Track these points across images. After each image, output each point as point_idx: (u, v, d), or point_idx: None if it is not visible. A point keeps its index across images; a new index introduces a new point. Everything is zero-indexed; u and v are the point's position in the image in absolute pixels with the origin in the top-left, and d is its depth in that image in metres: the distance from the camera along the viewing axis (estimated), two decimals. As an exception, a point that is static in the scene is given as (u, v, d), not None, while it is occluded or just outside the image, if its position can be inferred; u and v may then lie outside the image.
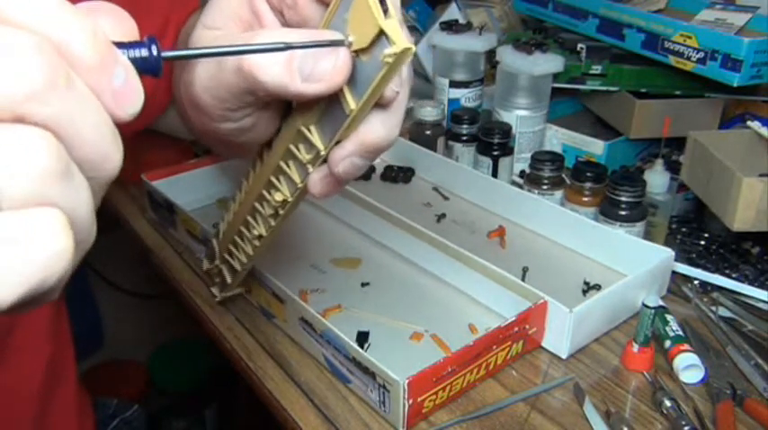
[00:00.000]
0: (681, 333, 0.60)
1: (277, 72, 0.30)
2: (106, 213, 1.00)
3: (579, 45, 0.89)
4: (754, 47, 0.72)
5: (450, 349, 0.59)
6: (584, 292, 0.68)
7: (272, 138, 0.40)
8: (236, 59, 0.31)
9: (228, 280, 0.57)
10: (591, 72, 0.88)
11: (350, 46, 0.30)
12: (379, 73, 0.29)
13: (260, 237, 0.47)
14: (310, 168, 0.37)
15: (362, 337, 0.61)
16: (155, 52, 0.24)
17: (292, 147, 0.37)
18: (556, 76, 0.88)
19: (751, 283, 0.67)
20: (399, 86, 0.33)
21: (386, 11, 0.28)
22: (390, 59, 0.28)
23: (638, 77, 0.87)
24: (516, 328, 0.57)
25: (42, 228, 0.19)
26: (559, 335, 0.59)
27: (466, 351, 0.53)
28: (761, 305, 0.65)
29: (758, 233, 0.67)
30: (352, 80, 0.31)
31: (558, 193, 0.78)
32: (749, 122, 0.76)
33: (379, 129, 0.33)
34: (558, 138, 0.92)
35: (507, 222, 0.80)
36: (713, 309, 0.65)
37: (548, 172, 0.78)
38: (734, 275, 0.69)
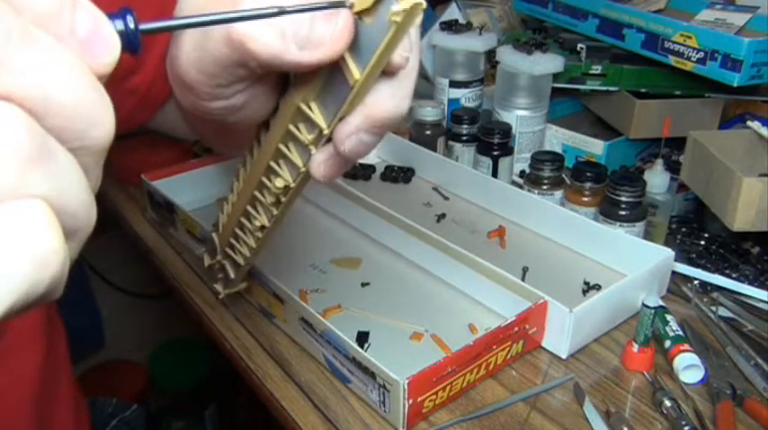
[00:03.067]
0: (681, 333, 0.60)
1: (269, 40, 0.27)
2: (106, 213, 1.01)
3: (579, 45, 0.89)
4: (754, 47, 0.72)
5: (451, 349, 0.59)
6: (584, 292, 0.68)
7: (269, 119, 0.37)
8: (224, 29, 0.28)
9: (231, 275, 0.54)
10: (591, 72, 0.88)
11: (351, 7, 0.27)
12: (385, 36, 0.26)
13: (262, 227, 0.44)
14: (313, 149, 0.33)
15: (362, 337, 0.61)
16: (131, 24, 0.21)
17: (292, 128, 0.34)
18: (556, 76, 0.88)
19: (751, 283, 0.67)
20: (408, 51, 0.29)
21: None
22: (399, 18, 0.25)
23: (638, 77, 0.87)
24: (516, 328, 0.57)
25: (24, 227, 0.16)
26: (559, 336, 0.58)
27: (466, 351, 0.53)
28: (761, 305, 0.65)
29: (758, 233, 0.67)
30: (354, 46, 0.28)
31: (558, 193, 0.78)
32: (749, 122, 0.76)
33: (387, 100, 0.30)
34: (557, 138, 0.92)
35: (507, 222, 0.80)
36: (713, 308, 0.65)
37: (548, 172, 0.78)
38: (734, 275, 0.69)
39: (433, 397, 0.52)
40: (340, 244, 0.76)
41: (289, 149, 0.36)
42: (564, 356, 0.59)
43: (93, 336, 1.41)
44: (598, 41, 0.89)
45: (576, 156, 0.89)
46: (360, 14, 0.27)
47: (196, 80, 0.32)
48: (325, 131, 0.32)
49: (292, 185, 0.37)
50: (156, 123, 0.61)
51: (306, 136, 0.34)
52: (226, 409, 1.40)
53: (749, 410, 0.53)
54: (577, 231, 0.73)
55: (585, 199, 0.75)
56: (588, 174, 0.75)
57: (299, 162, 0.35)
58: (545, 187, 0.78)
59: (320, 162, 0.33)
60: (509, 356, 0.58)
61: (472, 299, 0.67)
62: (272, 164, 0.38)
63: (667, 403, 0.53)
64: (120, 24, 0.21)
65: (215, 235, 0.54)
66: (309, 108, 0.32)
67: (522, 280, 0.64)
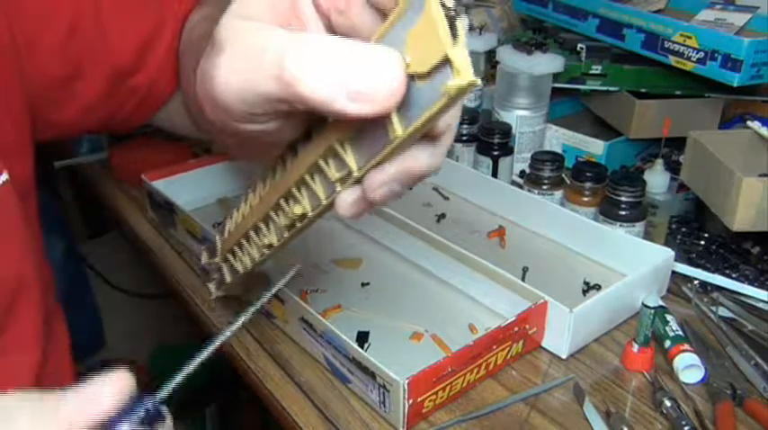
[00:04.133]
0: (681, 333, 0.60)
1: (320, 86, 0.27)
2: (106, 213, 1.00)
3: (579, 45, 0.89)
4: (754, 47, 0.72)
5: (451, 349, 0.59)
6: (584, 292, 0.68)
7: (297, 141, 0.37)
8: (276, 65, 0.28)
9: (228, 279, 0.54)
10: (591, 72, 0.88)
11: (407, 68, 0.26)
12: (435, 103, 0.25)
13: (270, 245, 0.43)
14: (338, 187, 0.33)
15: (362, 337, 0.61)
16: (150, 408, 0.29)
17: (321, 162, 0.34)
18: (556, 76, 0.88)
19: (751, 283, 0.67)
20: (453, 119, 0.30)
21: (455, 36, 0.24)
22: (453, 92, 0.24)
23: (638, 77, 0.87)
24: (516, 328, 0.57)
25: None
26: (559, 336, 0.58)
27: (466, 351, 0.53)
28: (761, 305, 0.65)
29: (758, 233, 0.67)
30: (402, 102, 0.27)
31: (558, 193, 0.78)
32: (749, 122, 0.76)
33: (424, 158, 0.31)
34: (558, 139, 0.92)
35: (507, 222, 0.80)
36: (713, 308, 0.65)
37: (548, 172, 0.78)
38: (734, 275, 0.69)
39: (433, 397, 0.52)
40: (340, 244, 0.76)
41: (313, 180, 0.36)
42: (564, 356, 0.59)
43: (93, 336, 1.41)
44: (598, 41, 0.89)
45: (576, 156, 0.89)
46: (413, 76, 0.26)
47: (233, 105, 0.31)
48: (355, 174, 0.32)
49: (310, 215, 0.37)
50: (159, 120, 0.60)
51: (333, 172, 0.33)
52: (226, 409, 1.40)
53: (749, 410, 0.53)
54: (577, 231, 0.73)
55: (585, 199, 0.75)
56: (588, 174, 0.75)
57: (321, 194, 0.35)
58: (545, 187, 0.78)
59: (350, 203, 0.33)
60: (509, 356, 0.58)
61: (472, 299, 0.67)
62: (294, 190, 0.37)
63: (667, 403, 0.53)
64: (142, 412, 0.28)
65: (218, 237, 0.53)
66: (343, 149, 0.32)
67: (522, 280, 0.64)
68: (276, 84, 0.28)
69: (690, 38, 0.77)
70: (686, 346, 0.58)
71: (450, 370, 0.52)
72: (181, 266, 0.75)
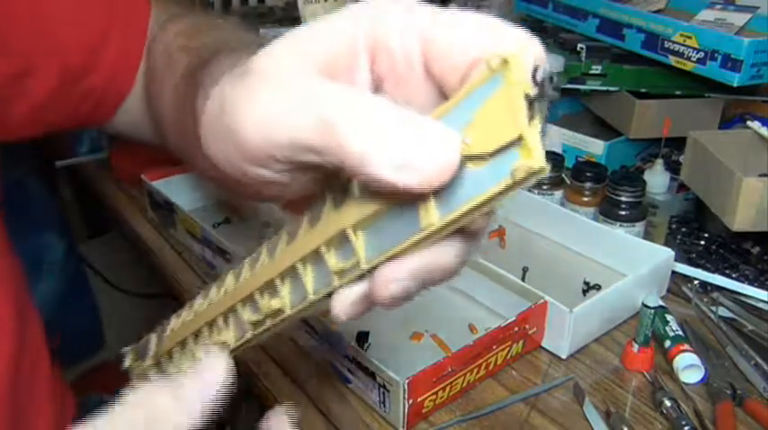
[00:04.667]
0: (681, 333, 0.60)
1: (366, 142, 0.23)
2: (106, 213, 1.00)
3: (579, 45, 0.89)
4: (754, 47, 0.72)
5: (451, 349, 0.59)
6: (584, 292, 0.68)
7: (282, 230, 0.31)
8: (322, 111, 0.24)
9: (151, 373, 0.43)
10: (591, 72, 0.88)
11: (465, 148, 0.23)
12: (491, 188, 0.22)
13: (223, 343, 0.35)
14: (335, 281, 0.28)
15: (362, 337, 0.61)
16: None
17: (323, 249, 0.28)
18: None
19: (751, 283, 0.67)
20: (487, 218, 0.26)
21: (531, 117, 0.21)
22: (521, 174, 0.22)
23: (638, 77, 0.87)
24: (516, 328, 0.57)
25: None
26: (559, 336, 0.58)
27: (466, 351, 0.53)
28: (761, 305, 0.65)
29: (758, 233, 0.67)
30: (444, 186, 0.23)
31: (558, 193, 0.78)
32: (749, 122, 0.76)
33: (452, 256, 0.26)
34: (558, 138, 0.92)
35: (507, 222, 0.80)
36: (713, 308, 0.65)
37: (547, 172, 0.78)
38: (734, 275, 0.69)
39: (433, 397, 0.52)
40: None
41: (304, 268, 0.29)
42: (564, 356, 0.59)
43: (93, 336, 1.41)
44: (598, 41, 0.89)
45: (576, 156, 0.89)
46: (469, 156, 0.23)
47: (255, 142, 0.27)
48: (363, 266, 0.26)
49: (288, 312, 0.30)
50: (118, 125, 0.60)
51: (334, 263, 0.27)
52: (226, 409, 1.39)
53: (749, 410, 0.53)
54: (577, 231, 0.73)
55: (585, 199, 0.75)
56: (588, 174, 0.75)
57: (309, 287, 0.29)
58: (545, 187, 0.78)
59: (350, 303, 0.28)
60: (509, 356, 0.58)
61: (472, 299, 0.67)
62: (277, 279, 0.31)
63: (667, 403, 0.53)
64: None
65: (154, 337, 0.43)
66: (355, 235, 0.26)
67: (522, 280, 0.64)
68: (316, 130, 0.25)
69: (690, 38, 0.77)
70: (686, 346, 0.58)
71: (450, 370, 0.52)
72: (181, 266, 0.75)
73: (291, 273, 0.30)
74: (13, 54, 0.51)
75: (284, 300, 0.30)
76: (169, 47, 0.52)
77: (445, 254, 0.26)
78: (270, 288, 0.31)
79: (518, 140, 0.22)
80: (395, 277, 0.26)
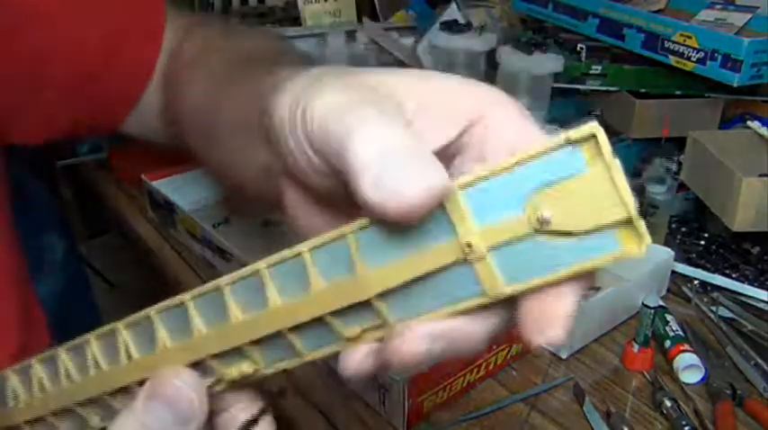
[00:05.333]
0: (681, 333, 0.60)
1: (360, 154, 0.22)
2: (106, 213, 1.01)
3: (579, 45, 0.89)
4: (754, 47, 0.72)
5: (451, 349, 0.59)
6: (584, 292, 0.68)
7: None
8: (342, 121, 0.23)
9: None
10: (591, 72, 0.88)
11: (543, 224, 0.21)
12: (573, 264, 0.22)
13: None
14: (337, 346, 0.25)
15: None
16: None
17: (329, 318, 0.24)
18: (556, 76, 0.88)
19: (751, 283, 0.67)
20: None
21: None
22: (622, 257, 0.21)
23: (638, 77, 0.87)
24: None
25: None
26: (559, 335, 0.58)
27: (466, 351, 0.53)
28: (761, 305, 0.65)
29: (758, 233, 0.67)
30: (507, 256, 0.22)
31: (558, 193, 0.78)
32: (749, 122, 0.76)
33: (492, 324, 0.24)
34: (558, 139, 0.92)
35: (507, 222, 0.80)
36: (713, 308, 0.65)
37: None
38: (734, 275, 0.69)
39: (433, 397, 0.52)
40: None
41: (299, 334, 0.26)
42: (564, 356, 0.59)
43: (93, 336, 1.41)
44: (598, 41, 0.89)
45: (576, 156, 0.89)
46: (553, 231, 0.21)
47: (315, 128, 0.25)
48: (390, 324, 0.23)
49: (262, 371, 0.27)
50: (127, 127, 0.60)
51: (341, 329, 0.24)
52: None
53: (749, 410, 0.53)
54: (577, 231, 0.73)
55: (585, 199, 0.75)
56: (588, 174, 0.74)
57: (302, 347, 0.26)
58: (545, 187, 0.78)
59: (361, 357, 0.24)
60: (509, 356, 0.58)
61: (472, 299, 0.66)
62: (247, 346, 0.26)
63: (667, 403, 0.53)
64: None
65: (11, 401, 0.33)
66: (383, 303, 0.23)
67: (522, 280, 0.64)
68: (329, 143, 0.24)
69: (690, 38, 0.77)
70: (686, 346, 0.58)
71: (450, 370, 0.52)
72: (181, 266, 0.75)
73: (278, 337, 0.26)
74: (24, 59, 0.51)
75: (257, 361, 0.27)
76: (199, 49, 0.52)
77: (486, 318, 0.24)
78: (237, 352, 0.27)
79: (622, 223, 0.21)
80: (424, 334, 0.23)
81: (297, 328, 0.25)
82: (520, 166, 0.22)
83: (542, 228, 0.21)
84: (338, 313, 0.24)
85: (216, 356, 0.27)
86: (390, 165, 0.21)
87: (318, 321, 0.24)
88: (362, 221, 0.23)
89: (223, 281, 0.26)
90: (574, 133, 0.22)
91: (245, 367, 0.27)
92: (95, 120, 0.57)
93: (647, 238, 0.21)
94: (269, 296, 0.25)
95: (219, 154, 0.38)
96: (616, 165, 0.21)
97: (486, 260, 0.22)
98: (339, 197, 0.25)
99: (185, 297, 0.27)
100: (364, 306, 0.23)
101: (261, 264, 0.25)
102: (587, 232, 0.21)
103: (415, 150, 0.22)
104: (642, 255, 0.21)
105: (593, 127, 0.21)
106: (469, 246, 0.22)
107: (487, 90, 0.25)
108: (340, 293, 0.23)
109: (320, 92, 0.25)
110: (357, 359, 0.25)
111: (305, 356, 0.26)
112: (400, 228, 0.22)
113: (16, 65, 0.51)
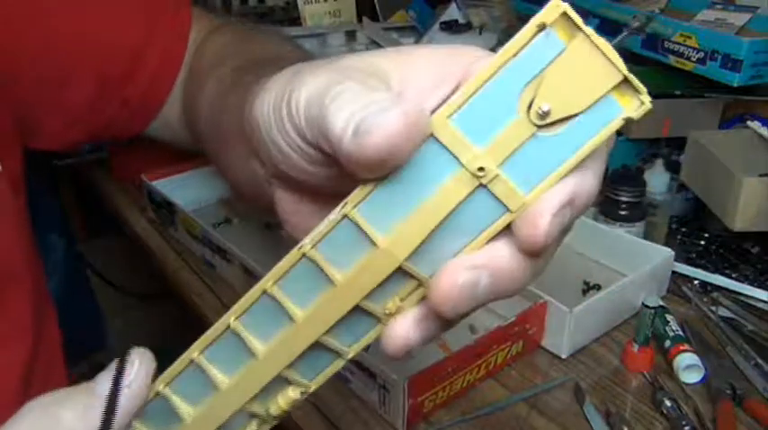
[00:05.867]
0: (681, 333, 0.60)
1: (340, 116, 0.21)
2: (106, 213, 1.01)
3: (579, 45, 0.89)
4: (754, 47, 0.72)
5: (451, 349, 0.59)
6: (584, 292, 0.68)
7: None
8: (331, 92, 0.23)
9: None
10: (591, 72, 0.88)
11: (544, 117, 0.20)
12: (591, 139, 0.21)
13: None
14: (378, 328, 0.24)
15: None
16: None
17: (364, 303, 0.23)
18: (556, 76, 0.88)
19: (751, 283, 0.67)
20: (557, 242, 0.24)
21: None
22: (635, 115, 0.20)
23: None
24: (516, 328, 0.57)
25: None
26: (559, 335, 0.58)
27: (466, 351, 0.53)
28: (761, 305, 0.65)
29: (758, 233, 0.67)
30: (518, 165, 0.21)
31: (558, 193, 0.78)
32: (749, 122, 0.76)
33: (522, 271, 0.23)
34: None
35: (507, 222, 0.80)
36: (713, 308, 0.65)
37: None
38: (734, 275, 0.69)
39: (433, 397, 0.52)
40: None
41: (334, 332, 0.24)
42: (564, 356, 0.59)
43: (93, 336, 1.41)
44: (598, 41, 0.89)
45: (576, 156, 0.89)
46: (548, 124, 0.21)
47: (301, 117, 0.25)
48: (427, 279, 0.22)
49: (310, 390, 0.26)
50: (155, 132, 0.60)
51: (376, 308, 0.23)
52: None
53: (749, 410, 0.53)
54: (577, 231, 0.73)
55: (585, 199, 0.75)
56: (588, 174, 0.74)
57: (336, 344, 0.24)
58: (545, 187, 0.78)
59: (410, 324, 0.23)
60: (509, 356, 0.58)
61: (472, 299, 0.66)
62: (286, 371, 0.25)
63: (667, 403, 0.53)
64: None
65: None
66: (412, 261, 0.22)
67: (522, 280, 0.64)
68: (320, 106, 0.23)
69: (690, 38, 0.77)
70: (686, 346, 0.58)
71: (450, 370, 0.52)
72: (181, 266, 0.75)
73: (320, 346, 0.24)
74: (50, 63, 0.51)
75: (304, 382, 0.26)
76: (215, 55, 0.52)
77: (518, 267, 0.23)
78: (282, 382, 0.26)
79: (619, 86, 0.20)
80: (464, 265, 0.22)
81: (329, 329, 0.24)
82: (500, 71, 0.21)
83: (544, 121, 0.21)
84: (370, 295, 0.23)
85: (253, 398, 0.26)
86: (367, 116, 0.21)
87: (351, 312, 0.23)
88: (358, 193, 0.22)
89: (230, 318, 0.24)
90: (540, 16, 0.21)
91: (291, 393, 0.26)
92: (120, 124, 0.57)
93: (644, 89, 0.20)
94: (290, 311, 0.24)
95: (225, 160, 0.40)
96: (592, 31, 0.20)
97: (501, 177, 0.21)
98: (335, 191, 0.25)
99: (193, 354, 0.26)
100: (395, 275, 0.22)
101: (266, 284, 0.24)
102: (588, 107, 0.21)
103: (392, 101, 0.21)
104: (648, 107, 0.20)
105: (557, 4, 0.20)
106: (481, 169, 0.21)
107: (471, 49, 0.25)
108: (368, 272, 0.22)
109: (302, 82, 0.25)
110: (404, 329, 0.23)
111: (348, 354, 0.25)
112: (400, 180, 0.22)
113: (44, 68, 0.51)
